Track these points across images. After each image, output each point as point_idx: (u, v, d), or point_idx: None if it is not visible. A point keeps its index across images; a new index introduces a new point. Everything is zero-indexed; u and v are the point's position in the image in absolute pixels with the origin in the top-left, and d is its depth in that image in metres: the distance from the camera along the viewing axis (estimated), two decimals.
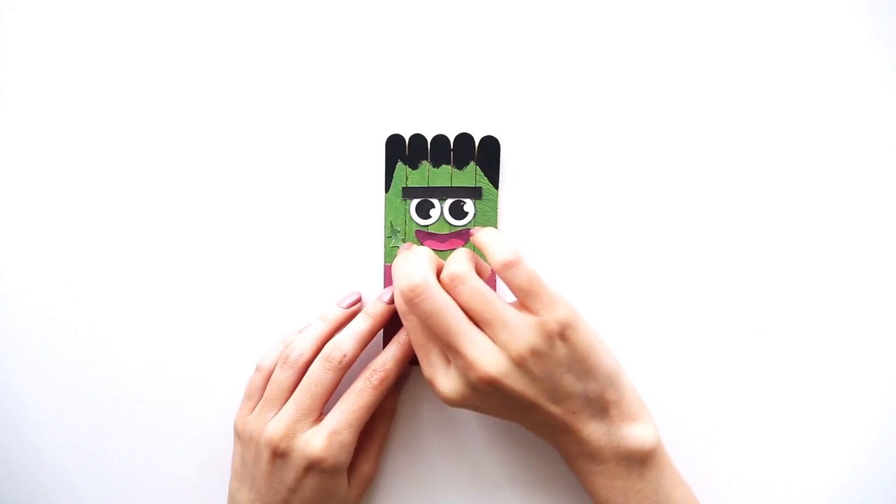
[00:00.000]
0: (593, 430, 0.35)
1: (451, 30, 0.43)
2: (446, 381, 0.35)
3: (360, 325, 0.39)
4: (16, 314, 0.45)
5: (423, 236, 0.41)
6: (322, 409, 0.38)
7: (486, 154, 0.40)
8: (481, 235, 0.36)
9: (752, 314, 0.42)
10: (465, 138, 0.40)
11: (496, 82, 0.42)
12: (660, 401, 0.41)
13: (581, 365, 0.35)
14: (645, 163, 0.42)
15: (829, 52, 0.41)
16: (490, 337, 0.34)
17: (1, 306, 0.45)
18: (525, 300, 0.34)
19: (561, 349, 0.34)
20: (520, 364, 0.33)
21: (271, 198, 0.44)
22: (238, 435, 0.40)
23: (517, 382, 0.34)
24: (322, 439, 0.36)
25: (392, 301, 0.39)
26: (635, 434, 0.36)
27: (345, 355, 0.38)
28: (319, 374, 0.37)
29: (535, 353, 0.33)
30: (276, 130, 0.44)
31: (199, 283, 0.44)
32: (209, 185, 0.44)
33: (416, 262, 0.35)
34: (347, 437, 0.37)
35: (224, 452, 0.43)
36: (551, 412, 0.35)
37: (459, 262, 0.35)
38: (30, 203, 0.45)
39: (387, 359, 0.38)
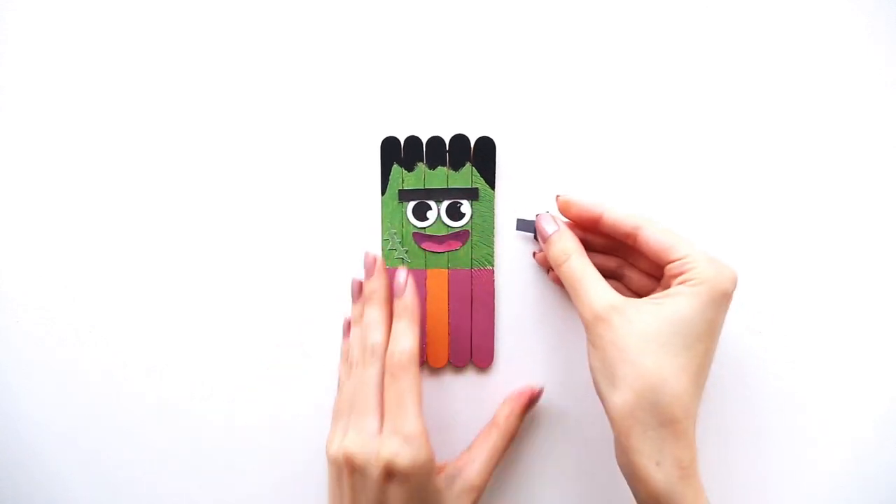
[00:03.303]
0: None
1: (445, 32, 0.42)
2: None
3: (375, 312, 0.38)
4: (16, 314, 0.45)
5: (420, 238, 0.41)
6: (382, 405, 0.36)
7: (481, 155, 0.40)
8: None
9: (752, 314, 0.42)
10: (460, 139, 0.40)
11: (492, 83, 0.42)
12: None
13: None
14: (642, 161, 0.42)
15: (828, 53, 0.41)
16: None
17: (1, 306, 0.45)
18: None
19: None
20: None
21: (270, 203, 0.44)
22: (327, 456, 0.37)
23: None
24: (387, 443, 0.34)
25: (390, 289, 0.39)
26: None
27: (374, 346, 0.37)
28: (360, 375, 0.37)
29: None
30: (273, 136, 0.44)
31: (199, 285, 0.44)
32: (207, 189, 0.44)
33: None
34: (409, 428, 0.34)
35: (223, 453, 0.43)
36: None
37: None
38: (30, 203, 0.45)
39: (396, 338, 0.37)
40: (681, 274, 0.34)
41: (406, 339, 0.36)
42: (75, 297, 0.45)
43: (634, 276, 0.39)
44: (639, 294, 0.39)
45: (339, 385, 0.40)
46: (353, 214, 0.43)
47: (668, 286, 0.35)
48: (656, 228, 0.36)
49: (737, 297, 0.41)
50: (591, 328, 0.34)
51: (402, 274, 0.38)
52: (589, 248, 0.38)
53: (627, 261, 0.39)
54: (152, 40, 0.44)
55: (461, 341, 0.41)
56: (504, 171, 0.42)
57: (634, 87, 0.42)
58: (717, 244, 0.41)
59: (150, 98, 0.44)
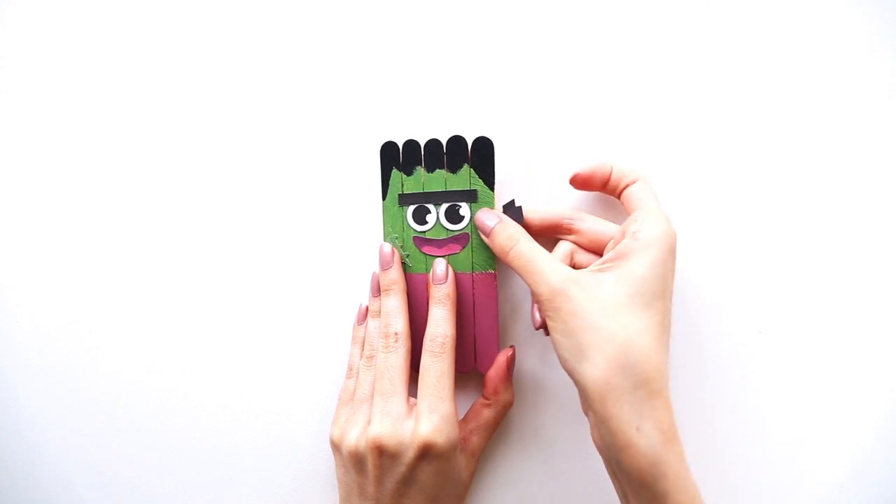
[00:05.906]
0: None
1: (442, 34, 0.42)
2: None
3: (394, 302, 0.39)
4: (16, 314, 0.45)
5: (420, 242, 0.40)
6: (407, 390, 0.37)
7: (479, 156, 0.39)
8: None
9: (752, 314, 0.42)
10: (457, 141, 0.39)
11: (493, 84, 0.42)
12: None
13: None
14: (641, 159, 0.42)
15: (829, 58, 0.41)
16: None
17: (1, 306, 0.45)
18: None
19: None
20: None
21: (273, 208, 0.44)
22: (335, 447, 0.39)
23: None
24: (425, 422, 0.35)
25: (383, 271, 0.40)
26: None
27: (396, 333, 0.38)
28: (384, 360, 0.37)
29: None
30: (274, 141, 0.44)
31: (199, 287, 0.44)
32: (208, 194, 0.44)
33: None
34: (445, 409, 0.36)
35: (223, 452, 0.43)
36: None
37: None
38: (30, 204, 0.45)
39: (437, 323, 0.38)
40: (634, 223, 0.35)
41: (446, 325, 0.38)
42: (75, 297, 0.45)
43: (583, 258, 0.39)
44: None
45: (349, 372, 0.41)
46: (355, 218, 0.43)
47: (619, 241, 0.36)
48: (644, 184, 0.38)
49: (737, 296, 0.42)
50: (548, 303, 0.34)
51: (441, 264, 0.39)
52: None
53: (570, 239, 0.40)
54: (153, 46, 0.44)
55: (464, 347, 0.40)
56: (506, 172, 0.42)
57: (635, 82, 0.42)
58: (717, 245, 0.41)
59: (152, 101, 0.44)
